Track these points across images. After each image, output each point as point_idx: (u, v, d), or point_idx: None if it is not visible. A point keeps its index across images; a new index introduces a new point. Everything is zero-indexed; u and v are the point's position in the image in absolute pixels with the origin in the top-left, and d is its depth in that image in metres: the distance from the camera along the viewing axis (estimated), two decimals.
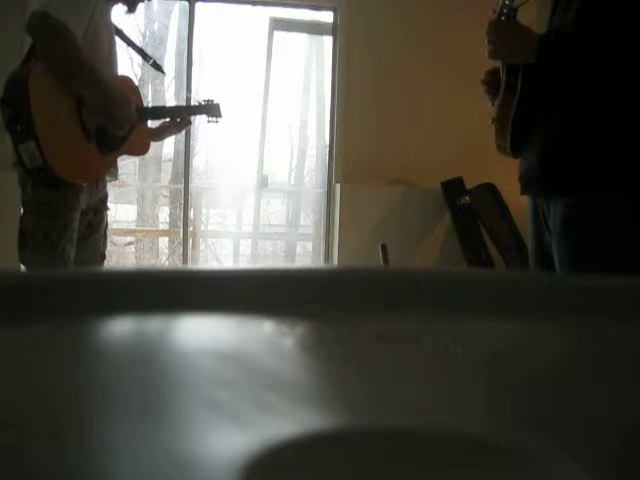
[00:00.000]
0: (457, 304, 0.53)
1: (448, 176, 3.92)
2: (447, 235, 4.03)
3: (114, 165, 2.30)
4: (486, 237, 3.89)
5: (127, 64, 5.95)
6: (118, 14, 2.32)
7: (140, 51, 2.73)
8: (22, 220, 2.13)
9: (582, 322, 0.51)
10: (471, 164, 3.97)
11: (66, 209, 2.12)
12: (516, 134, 1.64)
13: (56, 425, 0.29)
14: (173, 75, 6.66)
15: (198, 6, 4.22)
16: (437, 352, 0.43)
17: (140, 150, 2.47)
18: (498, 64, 1.66)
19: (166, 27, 6.59)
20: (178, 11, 6.17)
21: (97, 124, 2.15)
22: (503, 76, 1.64)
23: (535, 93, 1.60)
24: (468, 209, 3.91)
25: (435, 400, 0.34)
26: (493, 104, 1.69)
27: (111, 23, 2.29)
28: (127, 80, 2.37)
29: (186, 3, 4.22)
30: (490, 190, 3.93)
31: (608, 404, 0.34)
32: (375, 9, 4.06)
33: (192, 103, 2.64)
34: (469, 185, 3.92)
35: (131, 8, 2.31)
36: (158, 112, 2.69)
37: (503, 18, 1.53)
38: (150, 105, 5.89)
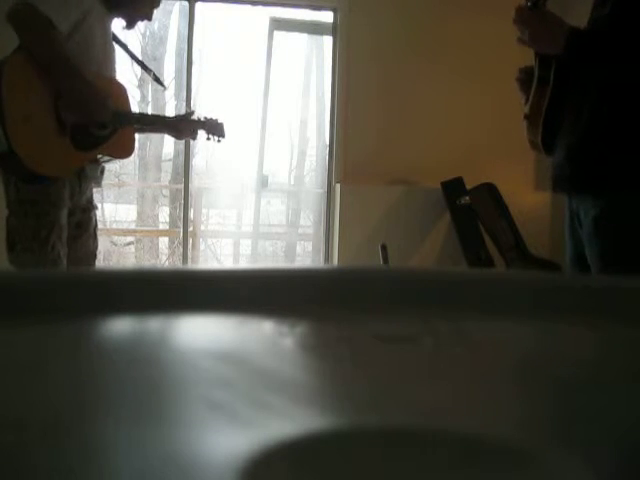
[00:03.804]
0: (457, 304, 0.53)
1: (448, 176, 3.93)
2: (447, 235, 4.03)
3: (88, 162, 2.24)
4: (486, 237, 3.89)
5: (127, 64, 5.95)
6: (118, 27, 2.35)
7: (141, 64, 2.73)
8: (8, 221, 2.12)
9: (584, 322, 0.50)
10: (471, 164, 3.97)
11: (50, 206, 2.11)
12: (549, 130, 1.60)
13: (56, 425, 0.29)
14: (173, 75, 6.66)
15: (198, 6, 4.22)
16: (437, 352, 0.43)
17: (121, 153, 2.40)
18: (531, 62, 1.62)
19: (166, 27, 6.59)
20: (178, 11, 6.17)
21: (74, 120, 2.13)
22: (536, 69, 1.60)
23: (567, 87, 1.56)
24: (468, 209, 3.91)
25: (435, 400, 0.34)
26: (526, 102, 1.65)
27: (109, 32, 2.29)
28: (116, 84, 2.34)
29: (186, 3, 4.22)
30: (490, 190, 3.93)
31: (608, 404, 0.34)
32: (375, 9, 4.05)
33: (194, 118, 2.60)
34: (469, 185, 3.92)
35: (130, 24, 2.33)
36: (146, 119, 2.66)
37: (529, 4, 1.47)
38: (151, 112, 5.89)
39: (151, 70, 2.70)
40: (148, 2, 2.30)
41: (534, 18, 1.48)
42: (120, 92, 2.34)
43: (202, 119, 2.56)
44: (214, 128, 2.58)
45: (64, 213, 2.16)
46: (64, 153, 2.14)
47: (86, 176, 2.25)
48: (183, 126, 2.52)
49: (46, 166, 2.12)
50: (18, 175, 2.08)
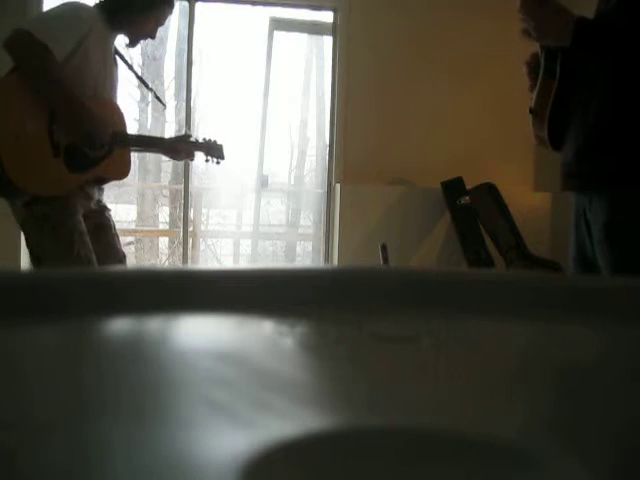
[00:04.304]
0: (457, 304, 0.53)
1: (448, 176, 3.92)
2: (447, 235, 4.03)
3: (83, 183, 2.23)
4: (486, 237, 3.89)
5: (125, 67, 5.94)
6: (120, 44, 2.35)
7: (143, 82, 2.74)
8: (28, 240, 2.12)
9: (584, 322, 0.50)
10: (471, 164, 3.97)
11: (67, 215, 2.12)
12: (556, 125, 1.55)
13: (56, 425, 0.29)
14: (173, 75, 6.66)
15: (198, 6, 4.22)
16: (437, 352, 0.43)
17: (117, 174, 2.39)
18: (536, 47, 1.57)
19: (166, 27, 6.58)
20: (178, 11, 6.16)
21: (68, 141, 2.13)
22: (542, 62, 1.55)
23: (575, 80, 1.51)
24: (468, 209, 3.91)
25: (435, 400, 0.34)
26: (532, 90, 1.60)
27: (111, 50, 2.29)
28: (112, 105, 2.33)
29: (186, 3, 4.21)
30: (490, 190, 3.93)
31: (609, 405, 0.34)
32: (375, 9, 4.05)
33: (192, 139, 2.59)
34: (469, 185, 3.92)
35: (133, 43, 2.33)
36: (142, 141, 2.66)
37: None
38: (151, 113, 5.89)
39: (152, 89, 2.71)
40: (152, 21, 2.30)
41: (539, 9, 1.42)
42: (116, 113, 2.34)
43: (201, 140, 2.57)
44: (213, 150, 2.58)
45: (79, 219, 2.16)
46: (58, 175, 2.14)
47: (86, 193, 2.25)
48: (181, 147, 2.51)
49: (40, 188, 2.12)
50: (22, 197, 2.09)
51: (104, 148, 2.22)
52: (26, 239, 2.13)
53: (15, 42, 2.02)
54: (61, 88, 2.06)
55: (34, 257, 2.13)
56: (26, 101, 2.06)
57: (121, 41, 2.39)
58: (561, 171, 1.58)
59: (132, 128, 4.23)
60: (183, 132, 3.01)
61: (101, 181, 2.32)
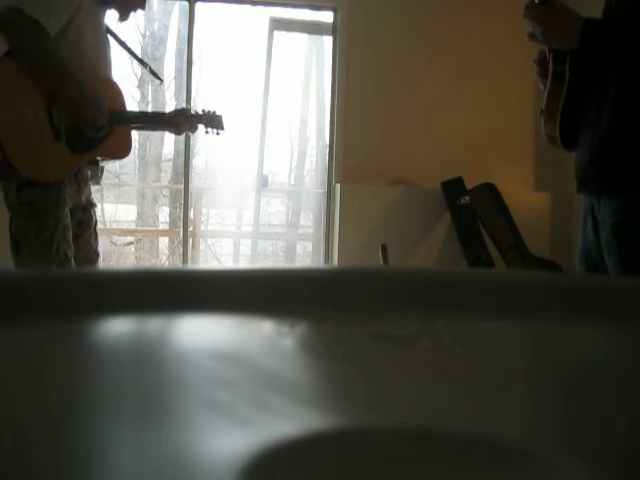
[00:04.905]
0: (457, 304, 0.53)
1: (448, 176, 3.93)
2: (447, 235, 4.03)
3: (84, 165, 2.22)
4: (486, 237, 3.89)
5: (127, 64, 5.95)
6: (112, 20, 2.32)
7: (137, 57, 2.71)
8: (11, 225, 2.11)
9: (585, 322, 0.50)
10: (471, 164, 3.97)
11: (52, 207, 2.10)
12: (567, 126, 1.55)
13: (56, 425, 0.29)
14: (173, 75, 6.66)
15: (198, 6, 4.22)
16: (437, 352, 0.43)
17: (118, 154, 2.37)
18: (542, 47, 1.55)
19: (166, 27, 6.59)
20: (178, 11, 6.17)
21: (68, 123, 2.11)
22: (550, 63, 1.55)
23: (585, 82, 1.49)
24: (468, 209, 3.91)
25: (435, 400, 0.34)
26: (545, 87, 1.59)
27: (102, 26, 2.26)
28: (110, 83, 2.31)
29: (186, 3, 4.21)
30: (490, 190, 3.93)
31: (609, 405, 0.34)
32: (375, 9, 4.05)
33: (192, 113, 2.56)
34: (469, 185, 3.92)
35: (123, 16, 2.29)
36: (142, 117, 2.63)
37: (537, 1, 1.40)
38: (151, 110, 5.88)
39: (147, 64, 2.68)
40: None
41: (545, 13, 1.41)
42: (115, 91, 2.32)
43: (200, 112, 2.53)
44: (212, 121, 2.54)
45: (66, 213, 2.15)
46: (60, 158, 2.12)
47: (84, 177, 2.24)
48: (181, 121, 2.49)
49: (42, 172, 2.10)
50: (29, 185, 2.08)
51: (105, 128, 2.21)
52: (10, 222, 2.12)
53: (6, 20, 1.98)
54: (58, 68, 2.03)
55: (14, 242, 2.11)
56: (23, 83, 2.03)
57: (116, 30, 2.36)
58: (576, 175, 1.57)
59: None
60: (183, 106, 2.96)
61: (103, 161, 2.30)
